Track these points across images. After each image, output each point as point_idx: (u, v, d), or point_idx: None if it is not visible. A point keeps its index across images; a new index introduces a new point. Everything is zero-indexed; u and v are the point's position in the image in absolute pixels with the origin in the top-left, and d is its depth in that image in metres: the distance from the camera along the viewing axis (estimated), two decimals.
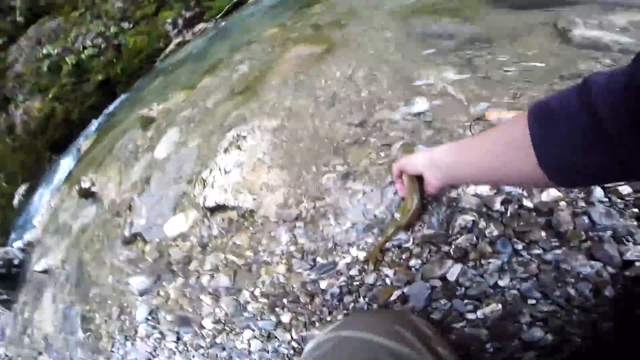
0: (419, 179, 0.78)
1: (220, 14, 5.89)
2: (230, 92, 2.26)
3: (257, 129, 1.71)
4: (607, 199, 0.79)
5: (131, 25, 6.26)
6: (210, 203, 1.54)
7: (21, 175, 5.56)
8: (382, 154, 1.24)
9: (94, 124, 5.51)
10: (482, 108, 1.19)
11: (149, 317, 1.45)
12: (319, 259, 1.09)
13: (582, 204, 0.80)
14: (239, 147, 1.72)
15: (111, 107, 5.60)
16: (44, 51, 6.01)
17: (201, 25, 6.09)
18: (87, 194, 2.66)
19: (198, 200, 1.65)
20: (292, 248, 1.18)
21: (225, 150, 1.78)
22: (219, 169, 1.71)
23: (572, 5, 1.62)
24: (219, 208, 1.52)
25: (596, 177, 0.38)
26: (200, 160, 1.96)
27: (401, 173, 0.83)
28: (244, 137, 1.73)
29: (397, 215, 0.97)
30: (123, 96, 5.77)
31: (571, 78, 1.17)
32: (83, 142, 5.03)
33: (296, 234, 1.20)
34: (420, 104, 1.35)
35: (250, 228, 1.35)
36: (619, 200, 0.76)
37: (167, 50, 6.03)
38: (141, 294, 1.53)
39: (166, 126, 2.60)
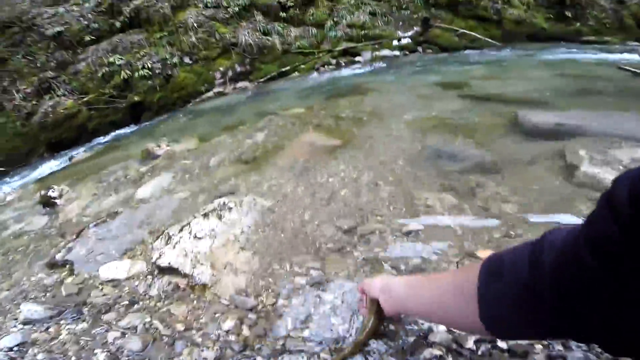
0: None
1: (264, 78, 6.55)
2: (237, 158, 2.26)
3: (246, 205, 1.61)
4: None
5: (191, 62, 6.75)
6: (164, 262, 1.36)
7: (4, 159, 5.32)
8: (362, 270, 1.11)
9: (102, 140, 5.55)
10: (474, 243, 1.12)
11: (14, 348, 1.12)
12: (258, 359, 0.89)
13: (559, 347, 0.76)
14: (219, 217, 1.59)
15: (128, 131, 5.72)
16: (111, 59, 6.35)
17: (244, 84, 6.65)
18: (48, 203, 2.44)
19: (152, 255, 1.46)
20: (232, 338, 0.97)
21: (205, 215, 1.64)
22: (190, 232, 1.55)
23: (582, 137, 1.66)
24: (171, 270, 1.33)
25: (532, 334, 0.40)
26: (176, 215, 1.82)
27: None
28: (229, 209, 1.61)
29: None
30: (145, 123, 5.95)
31: (570, 223, 1.15)
32: (81, 152, 4.99)
33: (244, 324, 1.01)
34: (415, 225, 1.28)
35: (195, 302, 1.15)
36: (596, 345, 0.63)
37: (205, 96, 6.49)
38: (25, 322, 1.24)
39: (163, 168, 2.55)
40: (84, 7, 7.14)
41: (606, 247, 0.29)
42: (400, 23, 7.62)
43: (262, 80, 6.55)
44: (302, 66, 6.74)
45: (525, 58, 4.89)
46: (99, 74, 6.12)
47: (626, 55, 4.75)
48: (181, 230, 1.57)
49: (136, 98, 6.17)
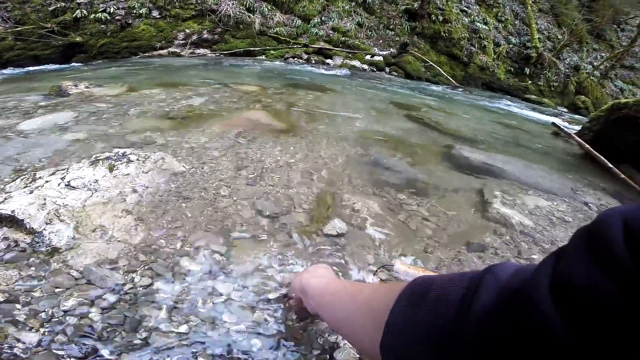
0: None
1: (229, 52, 6.21)
2: (164, 114, 1.96)
3: (151, 162, 1.34)
4: None
5: (159, 16, 6.27)
6: (5, 209, 1.00)
7: None
8: (275, 265, 0.95)
9: (13, 71, 4.71)
10: (392, 255, 1.09)
11: None
12: (102, 350, 0.67)
13: None
14: (111, 168, 1.29)
15: (51, 67, 4.98)
16: None
17: (205, 51, 6.28)
18: None
19: None
20: (72, 321, 0.72)
21: (93, 163, 1.33)
22: (63, 178, 1.22)
23: (502, 178, 1.83)
24: (12, 221, 0.99)
25: None
26: (58, 157, 1.46)
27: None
28: (129, 161, 1.33)
29: None
30: (75, 64, 5.30)
31: (476, 250, 1.20)
32: None
33: (95, 306, 0.77)
34: (339, 226, 1.19)
35: (33, 268, 0.87)
36: None
37: (156, 52, 5.93)
38: None
39: (68, 106, 2.11)
40: None
41: (594, 310, 0.19)
42: (381, 41, 7.92)
43: (225, 52, 6.20)
44: (272, 52, 6.55)
45: (473, 101, 5.37)
46: (51, 8, 5.63)
47: (552, 119, 5.58)
48: (53, 173, 1.23)
49: (78, 39, 5.66)
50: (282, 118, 2.08)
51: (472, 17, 9.43)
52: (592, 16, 12.26)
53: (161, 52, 6.04)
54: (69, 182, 1.19)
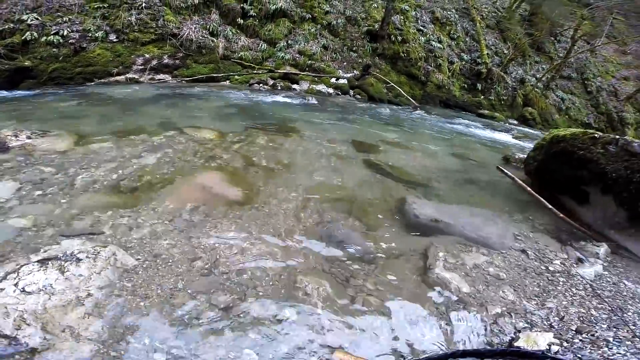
0: None
1: (191, 78, 6.07)
2: (114, 184, 1.93)
3: (102, 260, 1.35)
4: None
5: (116, 40, 5.99)
6: None
7: None
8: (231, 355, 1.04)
9: None
10: (331, 344, 1.19)
11: None
12: None
13: None
14: (62, 270, 1.30)
15: (1, 94, 4.57)
16: (25, 16, 5.46)
17: (165, 77, 6.06)
18: None
19: None
20: None
21: (42, 264, 1.32)
22: (16, 285, 1.22)
23: (448, 236, 1.97)
24: None
25: None
26: (7, 248, 1.43)
27: None
28: (78, 260, 1.33)
29: None
30: (23, 92, 4.91)
31: (412, 321, 1.33)
32: None
33: None
34: (288, 315, 1.28)
35: None
36: None
37: (113, 79, 5.65)
38: None
39: (10, 170, 2.01)
40: None
41: None
42: (345, 63, 8.15)
43: (187, 78, 6.05)
44: (237, 77, 6.49)
45: (432, 125, 5.68)
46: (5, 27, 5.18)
47: (503, 136, 6.06)
48: (4, 278, 1.24)
49: (26, 63, 5.24)
50: (239, 182, 2.12)
51: (428, 36, 9.98)
52: (532, 30, 13.43)
53: (118, 78, 5.78)
54: (23, 288, 1.21)
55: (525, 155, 3.28)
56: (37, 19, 5.50)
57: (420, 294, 1.51)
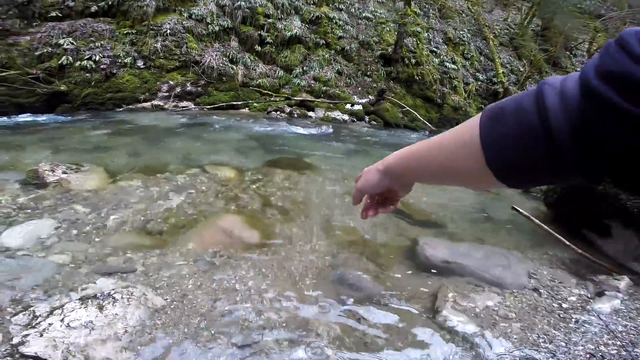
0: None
1: (212, 106, 6.43)
2: (143, 225, 2.14)
3: (135, 300, 1.53)
4: None
5: (143, 66, 6.48)
6: (29, 351, 1.28)
7: None
8: None
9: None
10: None
11: None
12: None
13: None
14: (100, 308, 1.48)
15: (37, 119, 5.02)
16: (61, 41, 5.95)
17: (189, 104, 6.44)
18: None
19: (11, 331, 1.35)
20: None
21: (82, 300, 1.51)
22: (62, 320, 1.41)
23: (459, 277, 2.04)
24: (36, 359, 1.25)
25: (540, 178, 0.37)
26: (48, 285, 1.63)
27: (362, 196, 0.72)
28: (114, 300, 1.51)
29: None
30: (59, 117, 5.31)
31: None
32: None
33: None
34: (301, 356, 1.39)
35: None
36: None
37: (140, 105, 6.08)
38: None
39: (48, 209, 2.26)
40: None
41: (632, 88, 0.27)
42: (360, 88, 8.39)
43: (209, 106, 6.41)
44: (256, 104, 6.82)
45: None
46: (37, 52, 5.74)
47: None
48: (51, 313, 1.45)
49: (62, 87, 5.74)
50: (257, 225, 2.30)
51: (442, 57, 10.09)
52: (547, 45, 13.31)
53: (145, 104, 6.19)
54: (68, 323, 1.40)
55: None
56: (72, 43, 6.04)
57: (427, 336, 1.60)
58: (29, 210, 2.23)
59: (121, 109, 5.98)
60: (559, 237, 2.59)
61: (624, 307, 1.91)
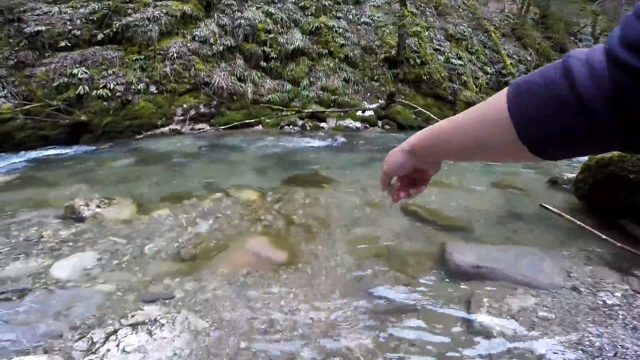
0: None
1: (226, 126, 6.65)
2: (176, 252, 2.29)
3: (179, 324, 1.64)
4: None
5: (156, 91, 6.68)
6: None
7: None
8: None
9: (26, 156, 4.98)
10: None
11: None
12: None
13: None
14: (150, 333, 1.60)
15: (62, 152, 5.31)
16: (75, 70, 6.19)
17: (204, 126, 6.68)
18: None
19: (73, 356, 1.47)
20: None
21: (133, 326, 1.64)
22: (117, 345, 1.54)
23: (491, 281, 2.03)
24: None
25: (576, 149, 0.37)
26: (100, 313, 1.77)
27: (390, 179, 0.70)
28: (161, 325, 1.63)
29: None
30: (84, 148, 5.54)
31: None
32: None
33: None
34: None
35: None
36: None
37: (158, 131, 6.33)
38: None
39: (88, 241, 2.44)
40: (78, 11, 7.10)
41: None
42: (368, 94, 8.48)
43: (223, 127, 6.63)
44: (268, 120, 7.01)
45: None
46: (55, 83, 6.01)
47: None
48: (107, 339, 1.58)
49: (83, 117, 5.97)
50: (282, 244, 2.41)
51: (446, 54, 10.05)
52: (549, 32, 13.02)
53: (163, 130, 6.45)
54: (123, 348, 1.53)
55: (575, 175, 3.20)
56: (86, 72, 6.27)
57: (465, 343, 1.63)
58: (71, 244, 2.41)
59: (141, 136, 6.22)
60: (594, 231, 2.52)
61: None
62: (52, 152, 5.33)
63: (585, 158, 3.03)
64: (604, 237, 2.46)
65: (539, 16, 14.67)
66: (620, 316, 1.76)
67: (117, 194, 3.20)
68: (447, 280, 2.07)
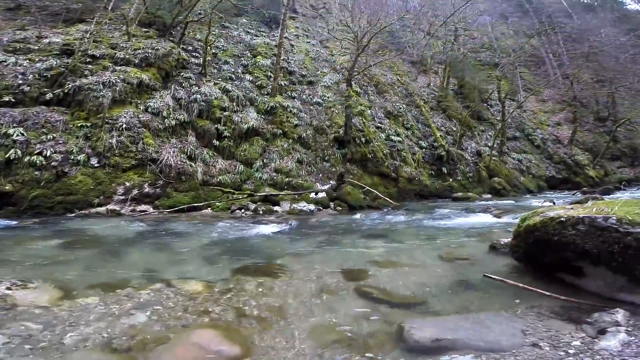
0: None
1: (172, 209, 6.25)
2: (107, 342, 1.97)
3: None
4: None
5: (97, 165, 6.21)
6: None
7: None
8: None
9: None
10: None
11: None
12: None
13: None
14: None
15: None
16: (11, 131, 5.72)
17: (147, 208, 6.22)
18: None
19: None
20: None
21: None
22: None
23: (453, 352, 1.98)
24: None
25: None
26: None
27: None
28: None
29: None
30: (2, 222, 4.86)
31: None
32: None
33: None
34: None
35: None
36: None
37: (94, 210, 5.74)
38: None
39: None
40: (34, 65, 6.86)
41: None
42: (320, 175, 8.98)
43: (168, 210, 6.29)
44: (218, 204, 6.80)
45: (415, 226, 6.01)
46: None
47: (483, 218, 6.44)
48: None
49: (7, 187, 5.33)
50: (234, 337, 2.21)
51: (386, 131, 11.39)
52: (467, 101, 15.59)
53: (99, 209, 5.94)
54: None
55: (511, 239, 3.46)
56: (22, 134, 5.78)
57: None
58: None
59: (73, 215, 5.65)
60: (538, 290, 2.71)
61: (633, 337, 1.95)
62: None
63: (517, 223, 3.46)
64: (547, 294, 2.65)
65: (457, 86, 17.60)
66: None
67: (36, 277, 2.81)
68: (410, 358, 2.02)
